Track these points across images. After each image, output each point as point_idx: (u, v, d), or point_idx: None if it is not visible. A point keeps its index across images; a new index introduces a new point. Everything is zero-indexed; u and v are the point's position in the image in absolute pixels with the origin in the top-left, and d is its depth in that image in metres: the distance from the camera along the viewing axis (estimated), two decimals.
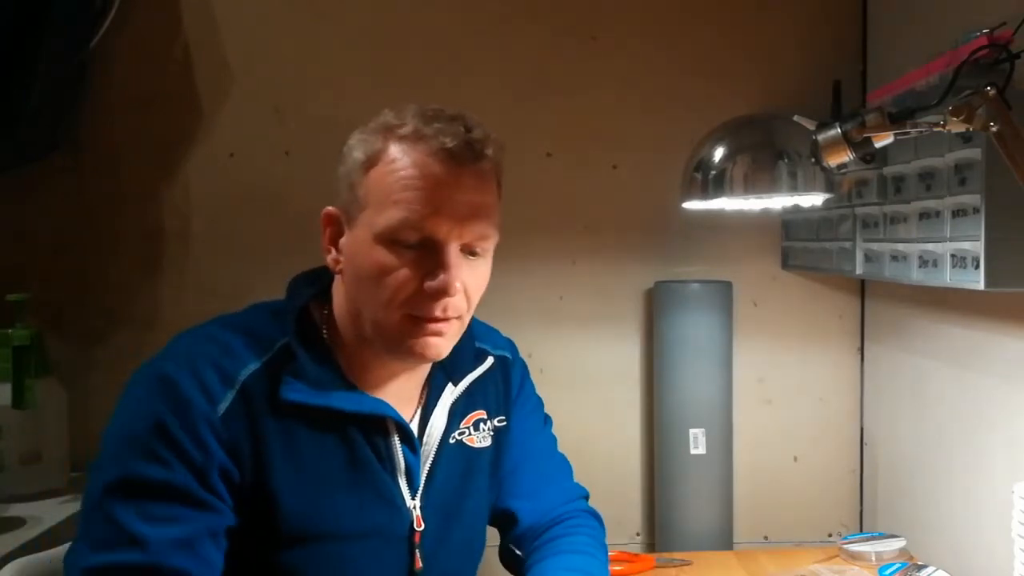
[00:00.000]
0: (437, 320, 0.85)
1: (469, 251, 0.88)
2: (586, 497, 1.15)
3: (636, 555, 1.45)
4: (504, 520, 1.09)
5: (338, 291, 0.93)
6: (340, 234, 0.90)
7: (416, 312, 0.85)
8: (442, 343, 0.87)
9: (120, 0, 1.65)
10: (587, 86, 1.80)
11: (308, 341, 0.89)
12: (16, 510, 1.44)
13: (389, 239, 0.84)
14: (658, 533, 1.76)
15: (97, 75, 1.73)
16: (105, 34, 1.66)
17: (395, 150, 0.85)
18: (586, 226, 1.82)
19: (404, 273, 0.84)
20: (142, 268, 1.76)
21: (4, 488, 1.50)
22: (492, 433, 1.03)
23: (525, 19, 1.79)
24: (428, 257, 0.84)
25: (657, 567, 1.43)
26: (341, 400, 0.87)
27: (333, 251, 0.91)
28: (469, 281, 0.88)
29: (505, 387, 1.07)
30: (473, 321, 1.05)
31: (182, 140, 1.74)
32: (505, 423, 1.06)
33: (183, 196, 1.75)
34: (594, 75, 1.80)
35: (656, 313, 1.75)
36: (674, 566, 1.43)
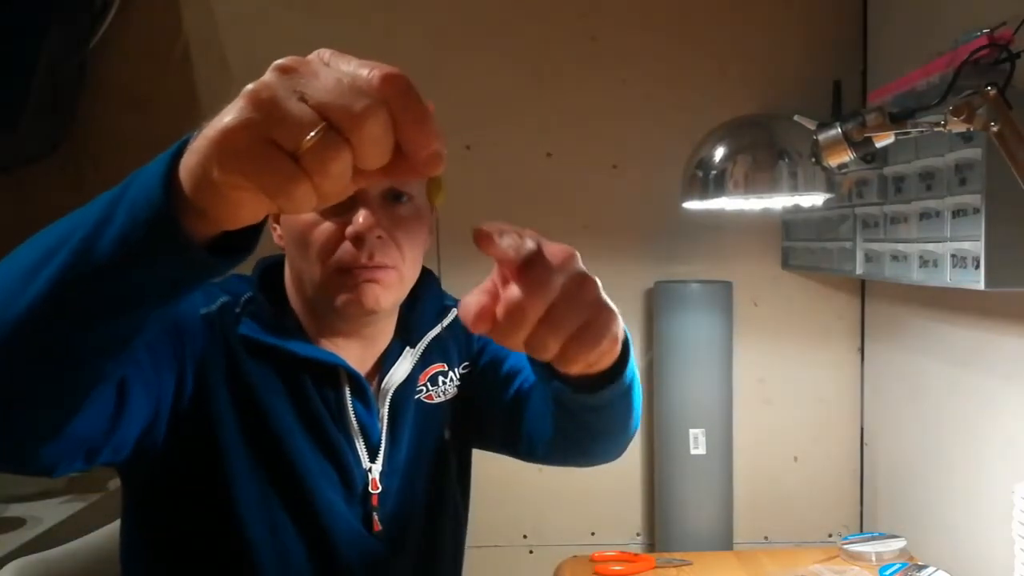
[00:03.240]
0: (366, 267, 0.85)
1: (392, 196, 0.87)
2: None
3: (636, 555, 1.45)
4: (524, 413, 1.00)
5: (287, 266, 0.94)
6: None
7: (344, 264, 0.85)
8: (379, 291, 0.86)
9: (120, 0, 1.65)
10: (587, 86, 1.80)
11: (269, 297, 0.92)
12: (16, 510, 1.44)
13: None
14: (658, 533, 1.76)
15: (97, 75, 1.73)
16: (105, 34, 1.66)
17: None
18: (586, 226, 1.82)
19: (327, 226, 0.85)
20: None
21: (4, 488, 1.50)
22: (458, 383, 1.01)
23: (525, 19, 1.79)
24: (349, 207, 0.85)
25: (657, 567, 1.43)
26: (294, 345, 0.88)
27: (277, 228, 0.93)
28: (398, 231, 0.87)
29: (467, 332, 1.03)
30: (447, 295, 1.04)
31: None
32: (470, 369, 1.03)
33: None
34: (594, 75, 1.80)
35: (656, 313, 1.75)
36: (674, 566, 1.43)
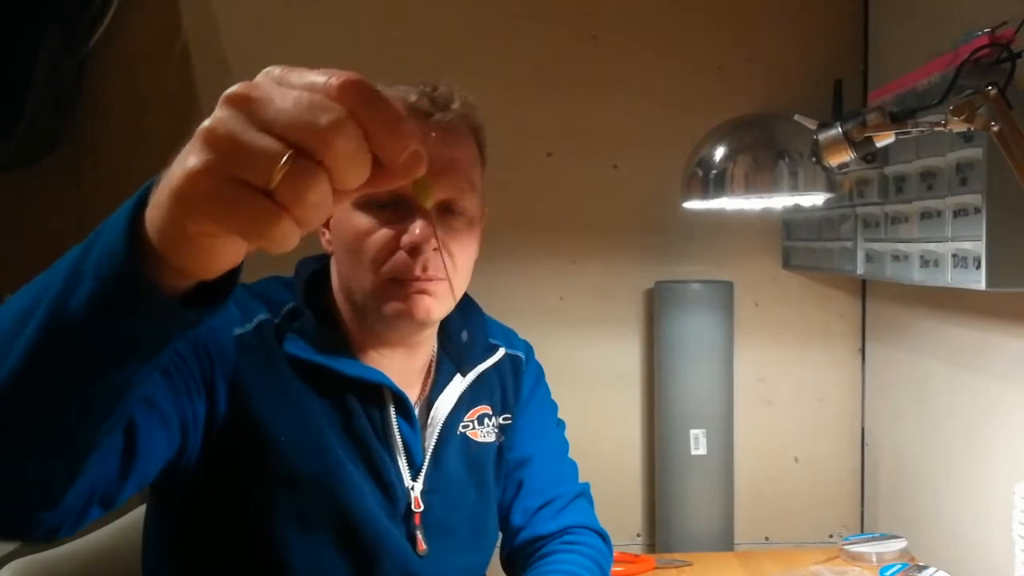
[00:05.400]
0: (419, 279, 0.85)
1: (447, 208, 0.88)
2: (584, 495, 1.11)
3: (637, 556, 1.45)
4: (502, 524, 1.08)
5: (333, 271, 0.94)
6: (331, 215, 0.91)
7: (398, 274, 0.85)
8: (430, 302, 0.86)
9: (120, 0, 1.65)
10: (587, 86, 1.79)
11: (314, 307, 0.90)
12: None
13: (364, 202, 0.85)
14: (659, 534, 1.76)
15: (97, 75, 1.73)
16: (105, 33, 1.66)
17: None
18: (586, 226, 1.82)
19: (382, 234, 0.85)
20: None
21: None
22: (496, 430, 1.03)
23: (525, 19, 1.79)
24: (404, 217, 0.85)
25: (658, 568, 1.42)
26: (340, 363, 0.87)
27: (326, 232, 0.92)
28: (452, 242, 0.88)
29: (516, 386, 1.06)
30: (489, 320, 1.05)
31: (182, 140, 1.73)
32: (510, 422, 1.05)
33: None
34: (594, 75, 1.79)
35: (656, 313, 1.75)
36: (675, 567, 1.43)
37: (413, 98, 0.86)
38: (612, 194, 1.81)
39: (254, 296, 0.90)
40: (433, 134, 0.86)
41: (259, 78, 0.43)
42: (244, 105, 0.41)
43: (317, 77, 0.41)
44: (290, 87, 0.41)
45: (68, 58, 1.64)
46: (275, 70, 0.43)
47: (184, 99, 1.74)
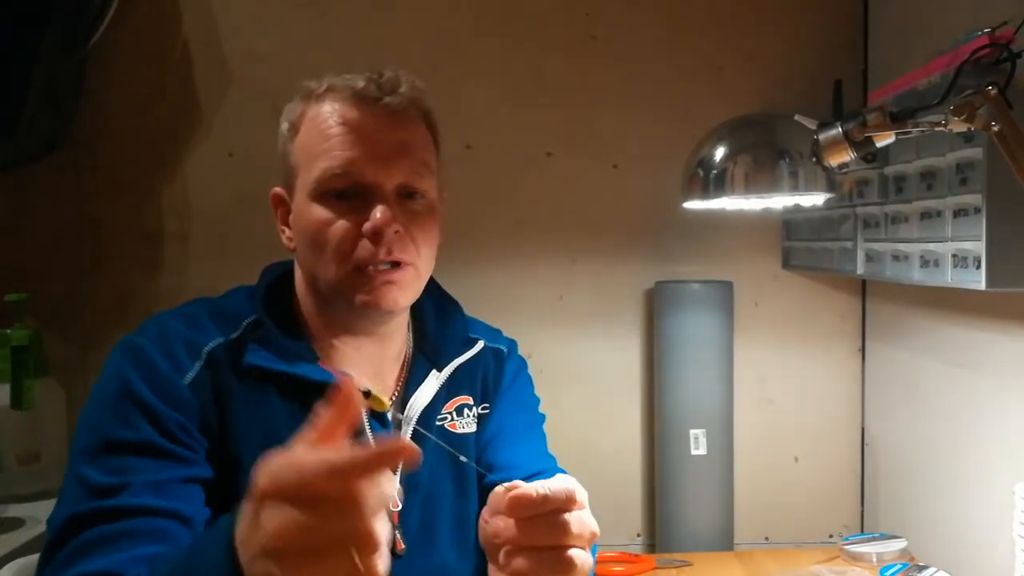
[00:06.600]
0: (383, 264, 0.85)
1: (406, 193, 0.88)
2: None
3: (637, 556, 1.45)
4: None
5: (297, 269, 0.93)
6: (289, 212, 0.91)
7: (363, 262, 0.85)
8: (396, 291, 0.86)
9: (120, 0, 1.64)
10: (587, 86, 1.79)
11: (276, 315, 0.90)
12: (15, 511, 1.43)
13: (321, 193, 0.86)
14: (659, 534, 1.76)
15: (96, 74, 1.73)
16: (104, 33, 1.66)
17: (313, 109, 0.88)
18: (586, 226, 1.81)
19: (342, 224, 0.85)
20: (141, 268, 1.76)
21: (3, 489, 1.50)
22: (476, 419, 1.02)
23: (525, 19, 1.79)
24: (364, 205, 0.85)
25: (658, 568, 1.43)
26: (305, 368, 0.87)
27: (286, 230, 0.92)
28: (413, 227, 0.88)
29: (497, 375, 1.05)
30: (471, 319, 1.04)
31: (181, 140, 1.73)
32: (488, 411, 1.03)
33: (182, 196, 1.75)
34: (594, 75, 1.79)
35: (656, 313, 1.75)
36: (675, 567, 1.43)
37: (361, 84, 0.87)
38: (612, 194, 1.81)
39: (211, 316, 0.89)
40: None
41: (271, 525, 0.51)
42: (298, 536, 0.49)
43: (304, 469, 0.50)
44: (303, 497, 0.49)
45: (68, 58, 1.63)
46: (264, 489, 0.51)
47: (183, 99, 1.73)
